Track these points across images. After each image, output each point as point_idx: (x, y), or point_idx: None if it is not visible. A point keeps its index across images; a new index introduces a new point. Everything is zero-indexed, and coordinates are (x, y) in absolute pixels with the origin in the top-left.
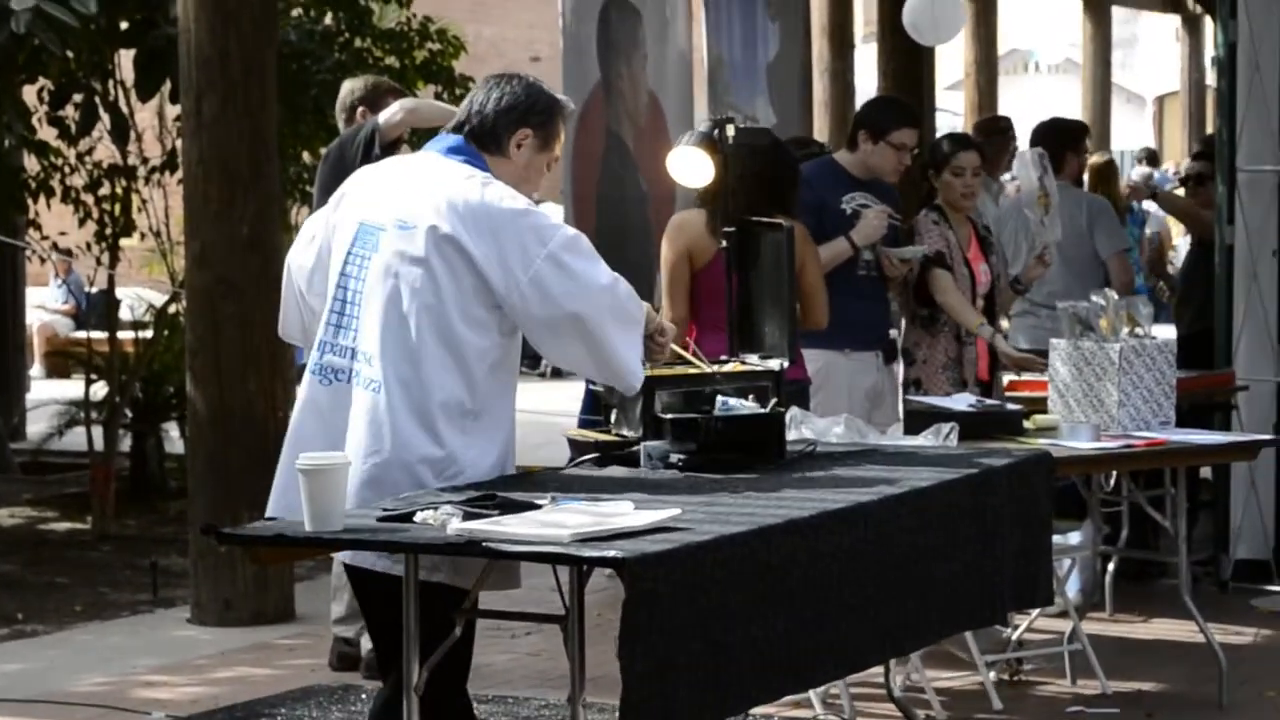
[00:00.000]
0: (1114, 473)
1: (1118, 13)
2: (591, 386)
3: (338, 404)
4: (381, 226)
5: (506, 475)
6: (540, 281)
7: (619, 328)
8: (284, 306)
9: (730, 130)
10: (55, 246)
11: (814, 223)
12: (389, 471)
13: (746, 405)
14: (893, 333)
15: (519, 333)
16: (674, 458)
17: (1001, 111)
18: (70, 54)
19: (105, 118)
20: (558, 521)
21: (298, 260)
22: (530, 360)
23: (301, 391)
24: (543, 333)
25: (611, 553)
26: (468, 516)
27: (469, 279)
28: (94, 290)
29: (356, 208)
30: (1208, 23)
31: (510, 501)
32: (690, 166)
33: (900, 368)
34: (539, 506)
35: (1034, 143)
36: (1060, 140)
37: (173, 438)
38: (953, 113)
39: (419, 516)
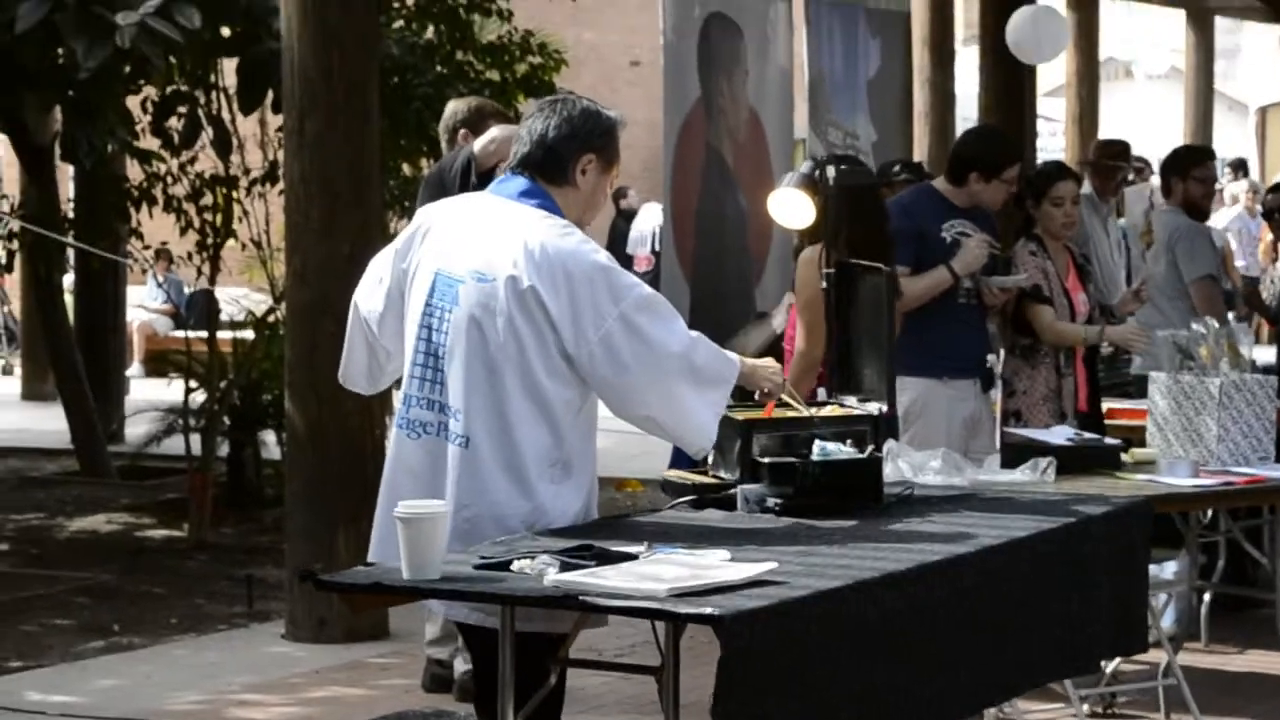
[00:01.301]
0: None
1: (1221, 22)
2: None
3: (429, 458)
4: (460, 279)
5: (604, 519)
6: (609, 342)
7: (693, 391)
8: (349, 350)
9: (831, 171)
10: (157, 254)
11: (914, 251)
12: (480, 526)
13: (844, 450)
14: (990, 358)
15: None
16: (771, 501)
17: (1103, 120)
18: (174, 61)
19: (208, 129)
20: (654, 574)
21: (366, 304)
22: None
23: (391, 447)
24: (609, 393)
25: (708, 610)
26: (564, 567)
27: (549, 331)
28: (193, 290)
29: (431, 256)
30: None
31: (607, 552)
32: (791, 208)
33: (998, 395)
34: (635, 556)
35: None
36: (1169, 164)
37: (269, 444)
38: (1050, 119)
39: (516, 565)
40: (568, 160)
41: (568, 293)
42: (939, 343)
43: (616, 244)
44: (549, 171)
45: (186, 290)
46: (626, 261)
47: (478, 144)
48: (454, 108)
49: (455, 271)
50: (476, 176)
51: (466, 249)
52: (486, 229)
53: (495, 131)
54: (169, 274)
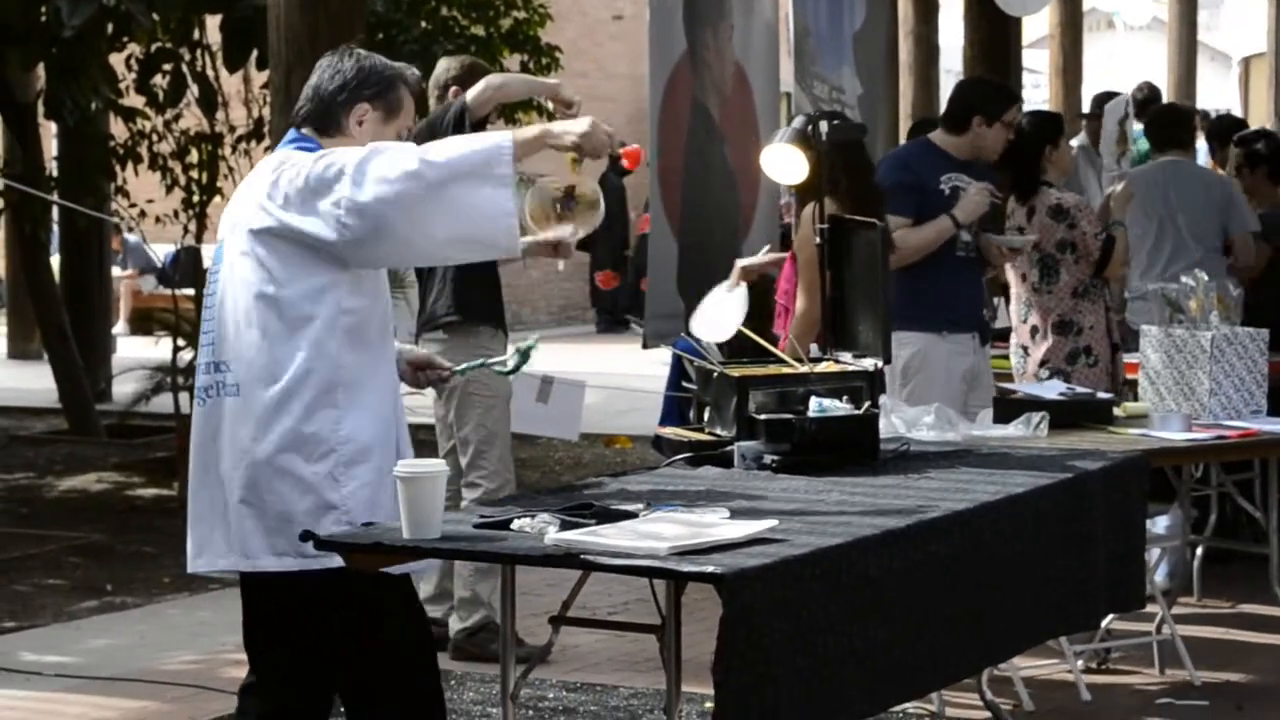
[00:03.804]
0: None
1: None
2: (678, 351)
3: (212, 421)
4: (223, 238)
5: (601, 476)
6: (355, 206)
7: (466, 185)
8: None
9: (824, 127)
10: (117, 228)
11: (915, 202)
12: (260, 471)
13: (840, 406)
14: (986, 312)
15: (378, 297)
16: (767, 458)
17: (1086, 72)
18: (157, 19)
19: (193, 87)
20: (655, 533)
21: None
22: (607, 323)
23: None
24: (392, 249)
25: (709, 568)
26: (565, 526)
27: (296, 252)
28: (178, 246)
29: (221, 227)
30: None
31: (606, 510)
32: (784, 164)
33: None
34: (635, 515)
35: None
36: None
37: None
38: (1033, 70)
39: (516, 524)
40: (339, 111)
41: (299, 196)
42: (938, 296)
43: (608, 197)
44: (321, 123)
45: (153, 254)
46: (622, 221)
47: (471, 93)
48: (446, 65)
49: (222, 233)
50: (470, 127)
51: (232, 207)
52: (248, 183)
53: (487, 80)
54: (127, 241)
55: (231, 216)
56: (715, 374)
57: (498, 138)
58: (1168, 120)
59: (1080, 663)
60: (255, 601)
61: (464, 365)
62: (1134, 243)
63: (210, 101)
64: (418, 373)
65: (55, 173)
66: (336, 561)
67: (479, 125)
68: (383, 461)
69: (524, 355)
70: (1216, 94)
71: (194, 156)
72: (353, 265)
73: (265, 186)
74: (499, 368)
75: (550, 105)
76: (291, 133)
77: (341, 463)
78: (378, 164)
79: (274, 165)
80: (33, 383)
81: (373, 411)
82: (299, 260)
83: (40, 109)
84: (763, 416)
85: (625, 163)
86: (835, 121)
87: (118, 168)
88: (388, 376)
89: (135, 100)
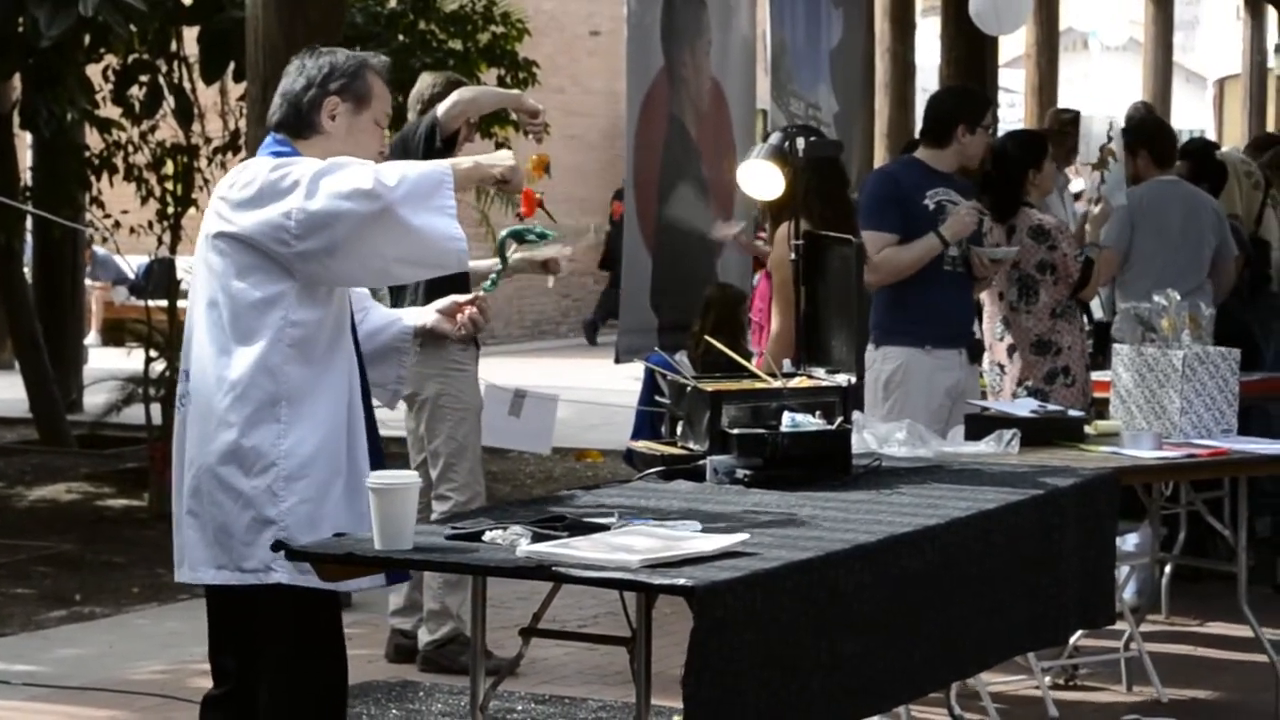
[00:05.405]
0: None
1: None
2: (651, 365)
3: (180, 429)
4: (198, 243)
5: (574, 489)
6: (306, 220)
7: (412, 210)
8: None
9: (801, 143)
10: (89, 239)
11: (899, 217)
12: (203, 481)
13: (813, 421)
14: (976, 330)
15: (328, 308)
16: (740, 473)
17: (1061, 91)
18: (134, 30)
19: (169, 98)
20: (626, 545)
21: None
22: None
23: None
24: (342, 267)
25: (681, 580)
26: (537, 538)
27: (248, 260)
28: (152, 258)
29: None
30: (1270, 9)
31: (578, 522)
32: (760, 179)
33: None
34: (607, 528)
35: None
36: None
37: None
38: (1009, 90)
39: (488, 536)
40: (309, 110)
41: (250, 205)
42: (924, 311)
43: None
44: (294, 126)
45: (124, 265)
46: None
47: (441, 108)
48: (430, 80)
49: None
50: (441, 141)
51: (206, 213)
52: (216, 188)
53: (457, 94)
54: (96, 253)
55: (203, 222)
56: (688, 388)
57: (440, 168)
58: (1169, 138)
59: (1048, 679)
60: (212, 610)
61: (485, 285)
62: (1141, 261)
63: (186, 113)
64: (458, 321)
65: (30, 183)
66: (274, 578)
67: (450, 139)
68: (327, 476)
69: (501, 251)
70: (1191, 115)
71: (169, 168)
72: (301, 279)
73: (224, 190)
74: (493, 278)
75: (514, 115)
76: (268, 138)
77: (281, 477)
78: (332, 179)
79: (238, 169)
80: (4, 392)
81: (320, 425)
82: (250, 268)
83: (16, 119)
84: (735, 431)
85: (521, 208)
86: (812, 138)
87: (93, 179)
88: (338, 388)
89: (111, 111)
